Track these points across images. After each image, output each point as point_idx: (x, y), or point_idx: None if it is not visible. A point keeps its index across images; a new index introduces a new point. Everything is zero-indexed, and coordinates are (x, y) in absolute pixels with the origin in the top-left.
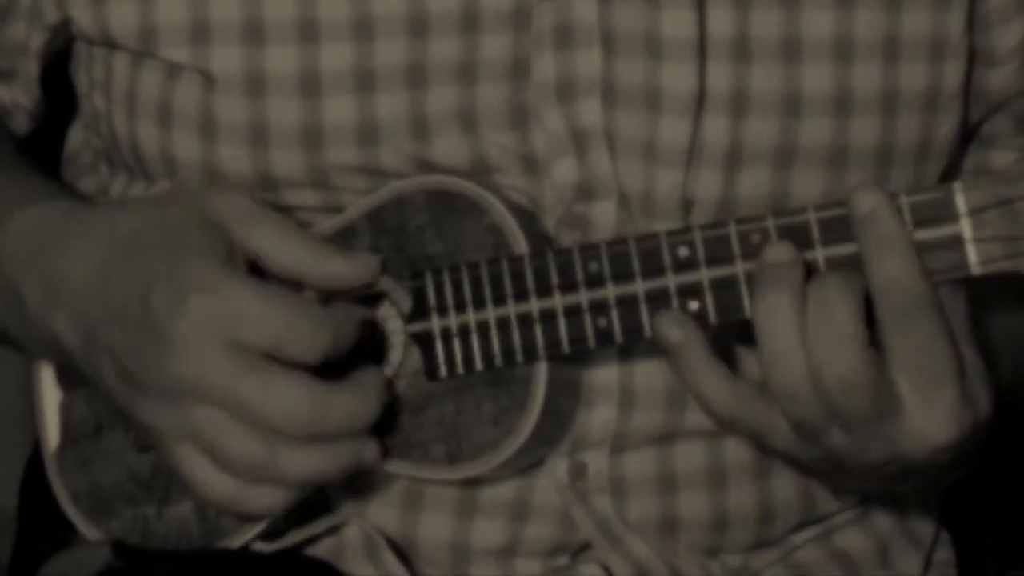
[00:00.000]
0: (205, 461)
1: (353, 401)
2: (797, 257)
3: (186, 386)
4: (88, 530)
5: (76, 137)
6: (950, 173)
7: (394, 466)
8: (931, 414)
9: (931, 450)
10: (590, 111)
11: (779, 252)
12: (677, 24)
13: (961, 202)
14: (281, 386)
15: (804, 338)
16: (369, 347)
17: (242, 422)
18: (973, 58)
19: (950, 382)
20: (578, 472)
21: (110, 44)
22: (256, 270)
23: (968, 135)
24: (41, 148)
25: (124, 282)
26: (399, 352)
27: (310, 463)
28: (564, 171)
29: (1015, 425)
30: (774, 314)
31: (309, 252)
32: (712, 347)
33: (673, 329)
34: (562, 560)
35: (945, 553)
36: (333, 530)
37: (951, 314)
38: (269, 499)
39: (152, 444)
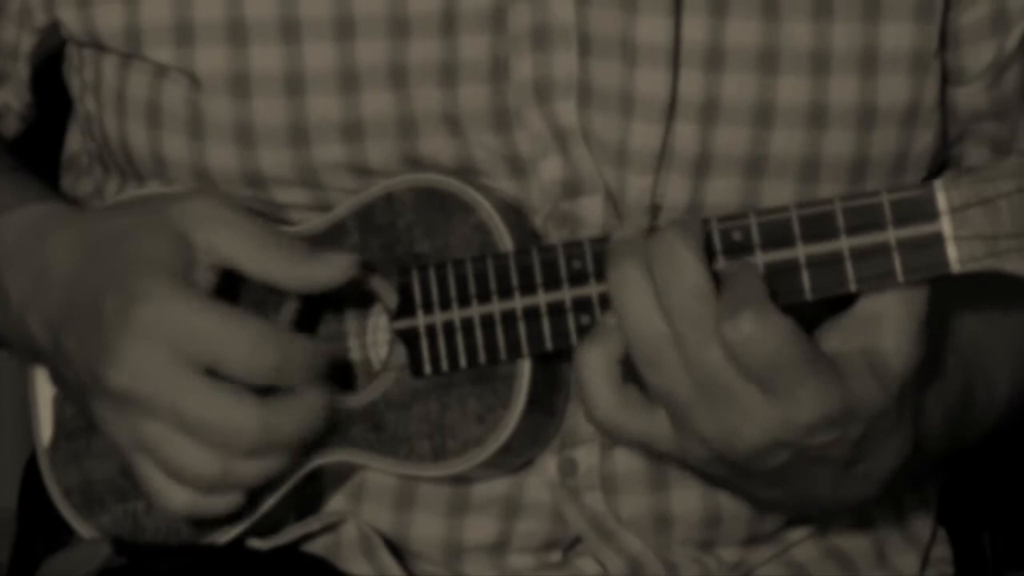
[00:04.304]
0: (160, 473)
1: (298, 414)
2: (637, 228)
3: (131, 398)
4: (79, 525)
5: (75, 140)
6: None
7: (380, 462)
8: (788, 394)
9: (804, 428)
10: (566, 112)
11: (624, 231)
12: (652, 30)
13: (942, 200)
14: (224, 404)
15: (659, 299)
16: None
17: (192, 437)
18: (944, 74)
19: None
20: (568, 469)
21: (97, 46)
22: (231, 277)
23: (945, 162)
24: (40, 151)
25: (86, 288)
26: (385, 349)
27: (264, 469)
28: (550, 169)
29: (1012, 424)
30: (625, 281)
31: (279, 256)
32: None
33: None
34: (555, 555)
35: (942, 551)
36: (330, 528)
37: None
38: (226, 503)
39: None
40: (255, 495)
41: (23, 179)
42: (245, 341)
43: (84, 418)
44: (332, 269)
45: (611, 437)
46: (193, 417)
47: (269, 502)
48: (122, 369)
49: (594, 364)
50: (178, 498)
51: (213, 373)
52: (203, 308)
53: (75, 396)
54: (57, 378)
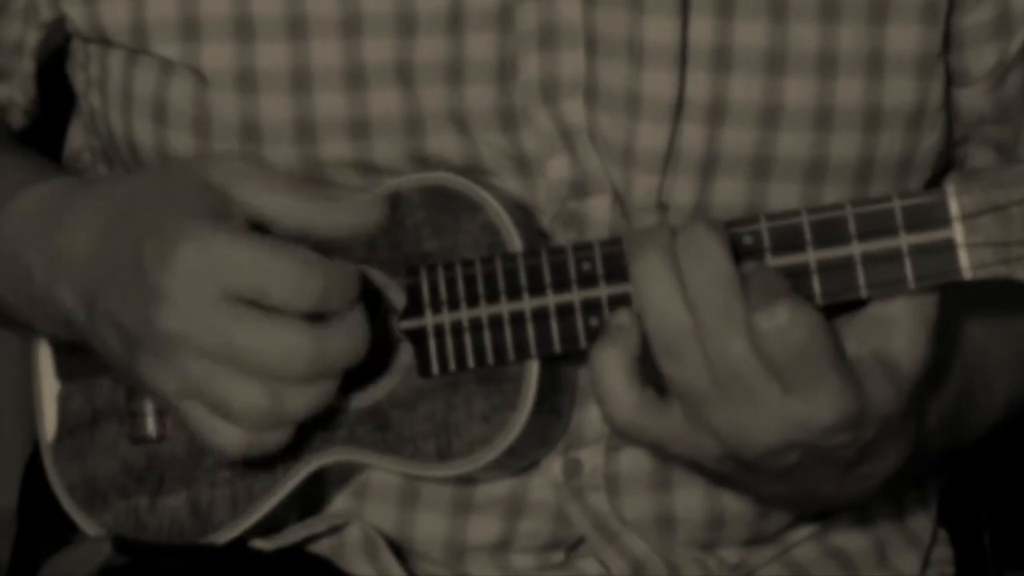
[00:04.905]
0: (212, 416)
1: (347, 336)
2: (663, 220)
3: (180, 340)
4: (83, 521)
5: (77, 137)
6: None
7: (385, 462)
8: (809, 392)
9: (819, 430)
10: (574, 111)
11: (645, 222)
12: (659, 30)
13: (954, 206)
14: (275, 331)
15: (684, 290)
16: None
17: (242, 372)
18: (948, 76)
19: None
20: (573, 469)
21: (103, 41)
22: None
23: (949, 164)
24: (41, 149)
25: (120, 245)
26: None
27: (314, 399)
28: (557, 169)
29: (1012, 425)
30: (650, 271)
31: (309, 204)
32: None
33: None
34: (558, 555)
35: (943, 551)
36: (334, 529)
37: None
38: (277, 440)
39: (144, 435)
40: (260, 494)
41: (30, 159)
42: (290, 269)
43: (89, 413)
44: (363, 209)
45: (628, 439)
46: (245, 347)
47: (272, 502)
48: (170, 309)
49: (613, 365)
50: (231, 437)
51: (260, 305)
52: (245, 240)
53: (119, 355)
54: (96, 344)
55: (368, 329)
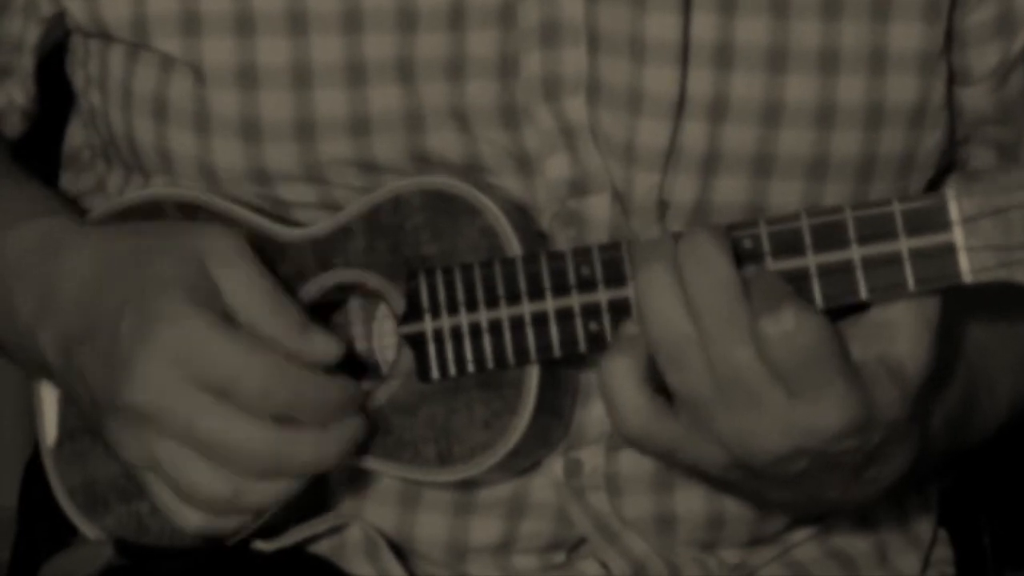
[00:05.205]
0: (171, 493)
1: (311, 446)
2: (666, 232)
3: (146, 416)
4: (84, 525)
5: (76, 135)
6: (934, 187)
7: (384, 467)
8: (815, 397)
9: (826, 436)
10: (576, 108)
11: (642, 230)
12: (661, 27)
13: (955, 210)
14: (238, 425)
15: (687, 299)
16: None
17: (204, 458)
18: (950, 75)
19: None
20: (574, 469)
21: (104, 36)
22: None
23: (952, 164)
24: (41, 148)
25: (103, 304)
26: (392, 353)
27: (273, 494)
28: (557, 167)
29: (1012, 426)
30: (654, 282)
31: (283, 323)
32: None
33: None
34: (559, 556)
35: (943, 552)
36: (335, 530)
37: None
38: (237, 524)
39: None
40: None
41: (31, 191)
42: (260, 372)
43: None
44: (321, 347)
45: (638, 447)
46: (207, 437)
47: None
48: (138, 387)
49: (622, 373)
50: (190, 518)
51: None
52: (222, 333)
53: (87, 412)
54: (71, 392)
55: (345, 442)
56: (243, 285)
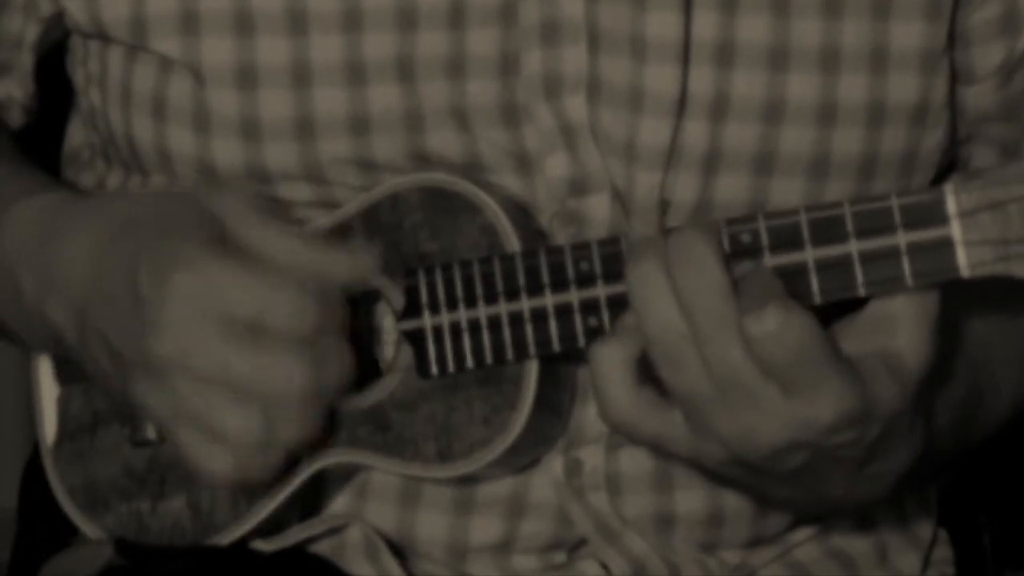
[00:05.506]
0: (204, 440)
1: (338, 361)
2: (659, 230)
3: (175, 365)
4: (84, 524)
5: (76, 134)
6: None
7: (385, 464)
8: (810, 392)
9: (823, 428)
10: (576, 107)
11: (641, 230)
12: (662, 26)
13: (952, 204)
14: (273, 357)
15: (679, 297)
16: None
17: (237, 397)
18: (953, 73)
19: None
20: (574, 469)
21: (103, 36)
22: None
23: (954, 163)
24: (41, 147)
25: (114, 264)
26: (392, 349)
27: (307, 424)
28: (556, 166)
29: (1013, 425)
30: (645, 280)
31: (304, 247)
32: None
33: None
34: (559, 556)
35: (944, 552)
36: (334, 530)
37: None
38: (269, 465)
39: (146, 437)
40: (261, 496)
41: (28, 171)
42: (289, 297)
43: (90, 416)
44: (356, 262)
45: (625, 436)
46: (242, 373)
47: (273, 504)
48: (166, 336)
49: (610, 362)
50: (222, 462)
51: (255, 331)
52: (243, 267)
53: (109, 375)
54: (87, 361)
55: (352, 353)
56: (258, 223)
